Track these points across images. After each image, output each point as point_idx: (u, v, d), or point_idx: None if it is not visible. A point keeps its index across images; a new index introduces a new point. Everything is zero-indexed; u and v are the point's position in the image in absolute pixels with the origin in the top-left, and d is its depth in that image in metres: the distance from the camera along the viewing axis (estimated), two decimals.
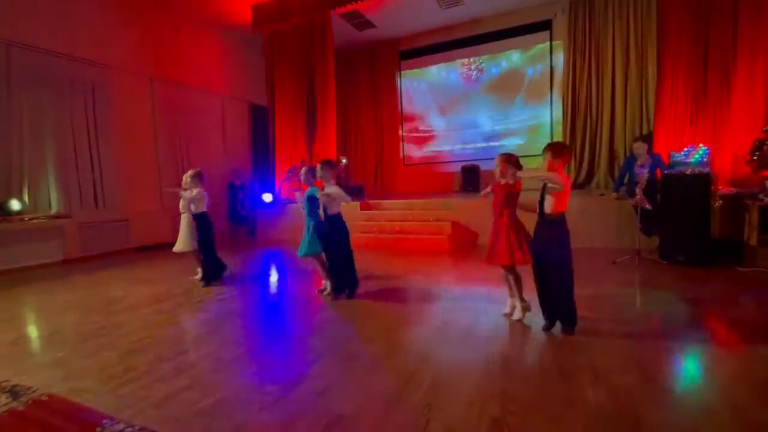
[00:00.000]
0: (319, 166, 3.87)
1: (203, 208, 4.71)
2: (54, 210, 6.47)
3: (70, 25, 6.62)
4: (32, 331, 3.50)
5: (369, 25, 9.56)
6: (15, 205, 5.97)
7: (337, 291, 3.94)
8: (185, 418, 1.99)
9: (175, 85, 8.44)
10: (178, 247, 4.76)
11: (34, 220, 6.11)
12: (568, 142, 8.71)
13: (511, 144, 9.68)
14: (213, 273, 4.83)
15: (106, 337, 3.16)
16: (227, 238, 8.93)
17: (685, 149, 5.29)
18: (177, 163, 8.37)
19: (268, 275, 5.43)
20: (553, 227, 2.79)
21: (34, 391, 2.28)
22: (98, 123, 7.08)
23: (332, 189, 3.78)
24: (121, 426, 1.92)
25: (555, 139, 9.16)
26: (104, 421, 1.96)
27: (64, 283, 5.21)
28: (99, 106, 7.09)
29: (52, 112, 6.43)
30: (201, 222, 4.72)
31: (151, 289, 4.65)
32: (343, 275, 3.91)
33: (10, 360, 2.80)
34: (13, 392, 2.28)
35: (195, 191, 4.65)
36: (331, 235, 3.83)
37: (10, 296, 4.58)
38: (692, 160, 5.09)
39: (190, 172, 4.75)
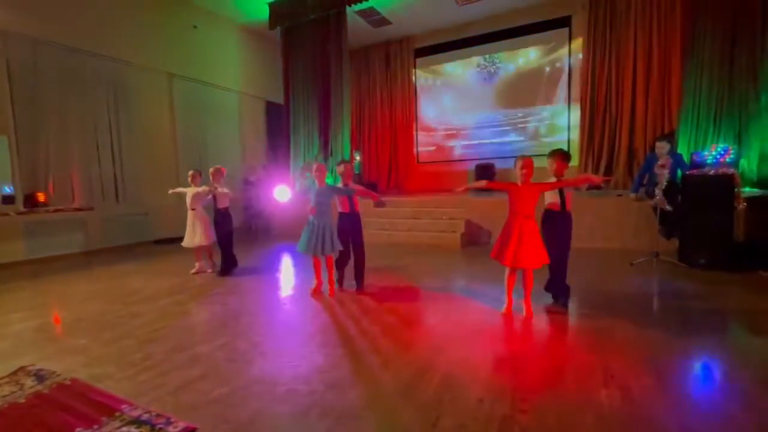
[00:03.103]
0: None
1: (227, 203, 4.98)
2: (77, 203, 6.68)
3: (93, 22, 6.81)
4: (56, 319, 3.63)
5: (385, 22, 9.54)
6: (40, 197, 6.21)
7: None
8: (200, 406, 2.04)
9: (193, 82, 8.60)
10: (196, 242, 4.94)
11: (58, 212, 6.34)
12: (585, 141, 8.55)
13: (527, 143, 9.56)
14: (226, 266, 5.03)
15: (126, 326, 3.26)
16: (243, 234, 9.07)
17: (708, 149, 5.14)
18: (195, 159, 8.53)
19: (282, 270, 5.50)
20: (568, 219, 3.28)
21: (58, 376, 2.37)
22: (120, 118, 7.28)
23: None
24: (140, 411, 1.98)
25: (572, 138, 9.01)
26: (123, 406, 2.03)
27: (86, 273, 5.38)
28: (120, 102, 7.29)
29: (76, 108, 6.64)
30: (224, 217, 4.96)
31: (169, 281, 4.76)
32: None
33: (35, 345, 2.92)
34: (39, 376, 2.37)
35: (222, 188, 4.91)
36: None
37: (35, 285, 4.77)
38: (715, 160, 4.94)
39: (212, 169, 4.96)
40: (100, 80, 6.97)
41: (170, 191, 5.27)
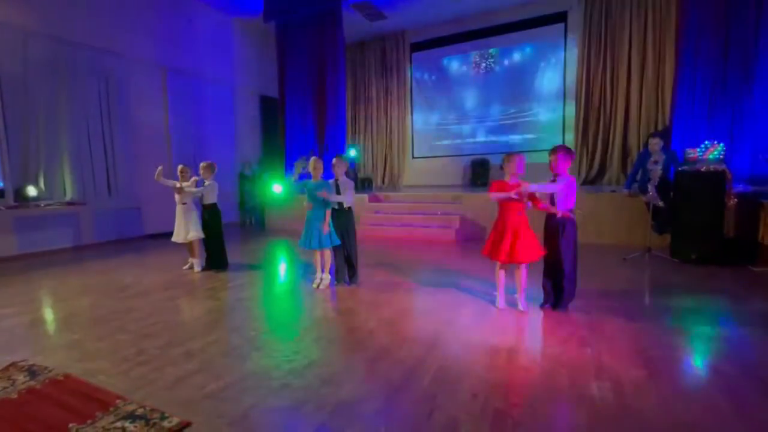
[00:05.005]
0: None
1: (214, 199, 4.83)
2: (69, 197, 6.60)
3: (85, 14, 6.69)
4: (48, 314, 3.61)
5: (380, 16, 9.47)
6: (32, 191, 6.13)
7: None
8: (194, 401, 2.04)
9: (187, 75, 8.50)
10: (186, 237, 4.85)
11: (50, 207, 6.26)
12: (580, 137, 8.60)
13: (522, 138, 9.58)
14: (219, 262, 4.94)
15: (119, 321, 3.25)
16: (237, 229, 9.03)
17: (700, 146, 5.18)
18: (188, 153, 8.45)
19: (276, 265, 5.49)
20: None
21: (50, 371, 2.35)
22: (111, 112, 7.18)
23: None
24: (134, 406, 1.98)
25: (567, 134, 9.04)
26: (117, 402, 2.02)
27: (79, 268, 5.34)
28: (112, 94, 7.18)
29: (67, 101, 6.54)
30: (212, 212, 4.83)
31: (163, 276, 4.74)
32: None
33: (27, 341, 2.90)
34: (31, 371, 2.36)
35: (208, 182, 4.78)
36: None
37: (27, 280, 4.71)
38: (707, 156, 4.98)
39: (203, 164, 4.82)
40: (92, 73, 6.85)
41: (159, 169, 4.79)
